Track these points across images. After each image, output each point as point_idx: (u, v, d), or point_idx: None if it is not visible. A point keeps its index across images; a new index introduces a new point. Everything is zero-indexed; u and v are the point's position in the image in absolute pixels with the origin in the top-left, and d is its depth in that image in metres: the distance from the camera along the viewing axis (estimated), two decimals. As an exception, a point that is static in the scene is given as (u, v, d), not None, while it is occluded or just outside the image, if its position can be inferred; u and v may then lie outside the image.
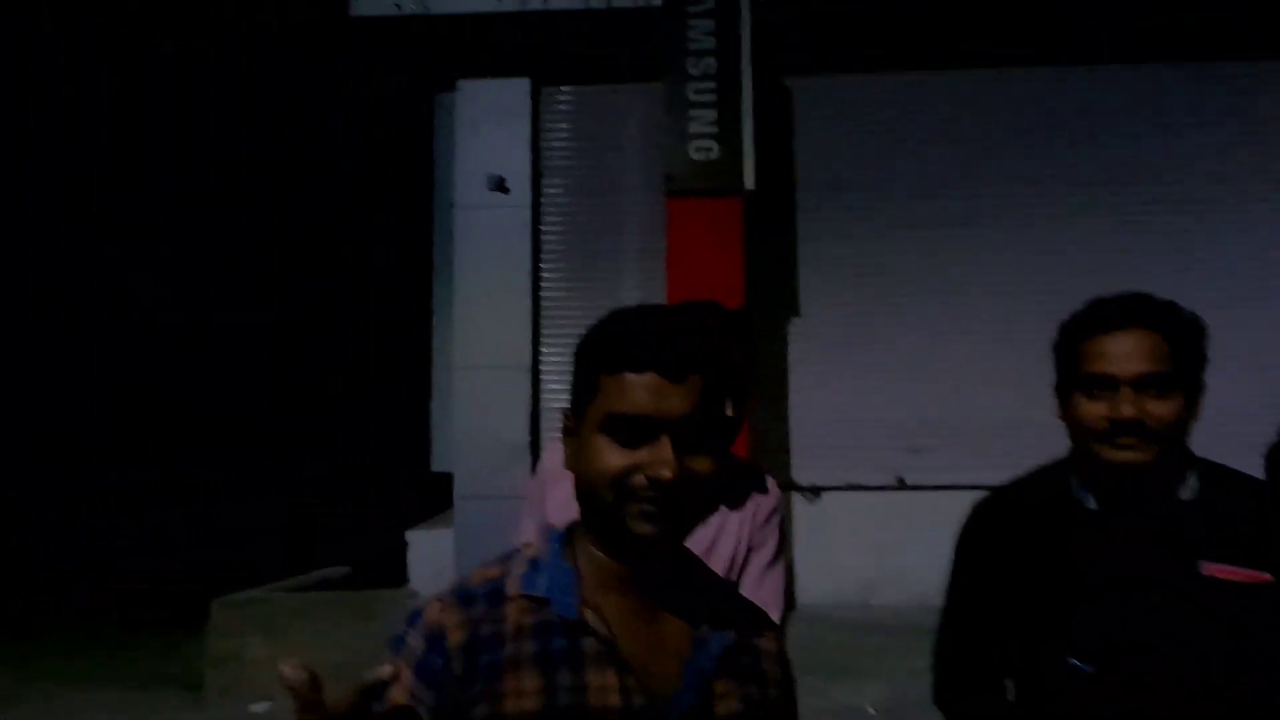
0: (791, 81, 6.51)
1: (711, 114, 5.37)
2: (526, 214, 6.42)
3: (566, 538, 0.99)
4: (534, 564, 0.96)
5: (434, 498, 6.53)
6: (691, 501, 0.90)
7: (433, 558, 5.91)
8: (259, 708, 4.43)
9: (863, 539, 6.11)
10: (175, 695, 4.85)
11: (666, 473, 0.86)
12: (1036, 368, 6.42)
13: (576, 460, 0.93)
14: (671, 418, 0.87)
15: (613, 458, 0.88)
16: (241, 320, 10.50)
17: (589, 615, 0.91)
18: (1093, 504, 1.38)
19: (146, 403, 9.40)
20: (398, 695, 0.87)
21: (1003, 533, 1.47)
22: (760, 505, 1.61)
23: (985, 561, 1.46)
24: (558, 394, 6.20)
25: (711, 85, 5.45)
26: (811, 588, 6.13)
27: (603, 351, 0.91)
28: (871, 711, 4.30)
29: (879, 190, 6.45)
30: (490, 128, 6.44)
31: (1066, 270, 6.25)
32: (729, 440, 1.54)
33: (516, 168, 6.43)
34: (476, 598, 0.93)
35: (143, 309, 10.10)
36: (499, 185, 6.37)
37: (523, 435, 6.19)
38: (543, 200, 6.54)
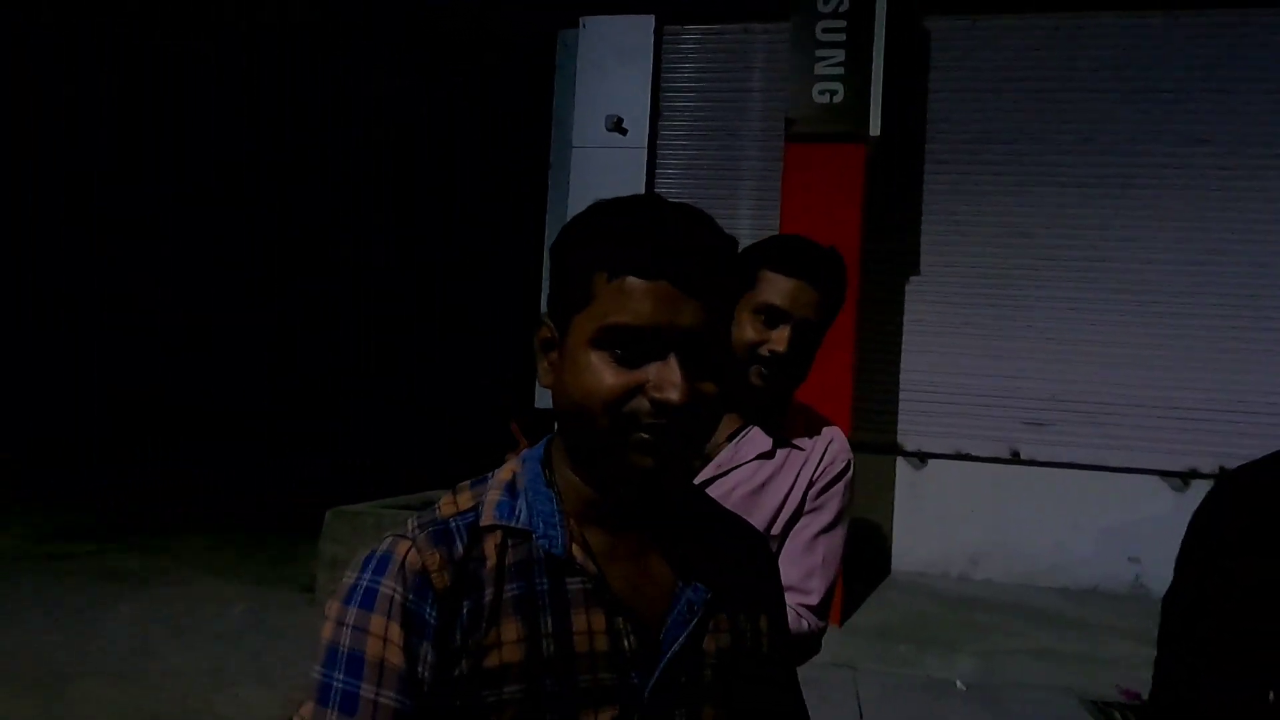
0: (930, 22, 6.09)
1: (840, 54, 5.10)
2: (642, 155, 6.34)
3: (545, 458, 0.86)
4: (509, 489, 0.83)
5: (536, 433, 6.69)
6: (697, 430, 0.78)
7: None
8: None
9: (969, 510, 5.86)
10: (291, 593, 5.23)
11: (675, 395, 0.73)
12: (1175, 347, 5.90)
13: (558, 378, 0.80)
14: (682, 332, 0.74)
15: (609, 376, 0.74)
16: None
17: (576, 552, 0.80)
18: None
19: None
20: (392, 656, 0.73)
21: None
22: (828, 468, 1.45)
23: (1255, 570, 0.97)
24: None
25: (842, 24, 5.15)
26: (911, 555, 5.96)
27: (601, 251, 0.75)
28: (961, 686, 4.16)
29: (1020, 144, 6.00)
30: (612, 66, 6.36)
31: (1228, 241, 5.68)
32: (791, 372, 1.41)
33: (635, 108, 6.35)
34: (452, 534, 0.79)
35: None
36: (617, 126, 6.31)
37: (625, 378, 6.24)
38: (660, 142, 6.44)
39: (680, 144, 6.45)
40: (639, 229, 0.75)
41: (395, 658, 0.74)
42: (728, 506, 1.31)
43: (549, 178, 6.91)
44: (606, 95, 6.35)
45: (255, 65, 9.08)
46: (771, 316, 1.36)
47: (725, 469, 1.42)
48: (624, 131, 6.33)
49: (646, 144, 6.34)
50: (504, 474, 0.86)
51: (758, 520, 1.40)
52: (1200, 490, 5.98)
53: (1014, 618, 5.02)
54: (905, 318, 6.04)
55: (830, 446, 1.48)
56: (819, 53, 5.13)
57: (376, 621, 0.75)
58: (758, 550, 0.97)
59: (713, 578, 0.86)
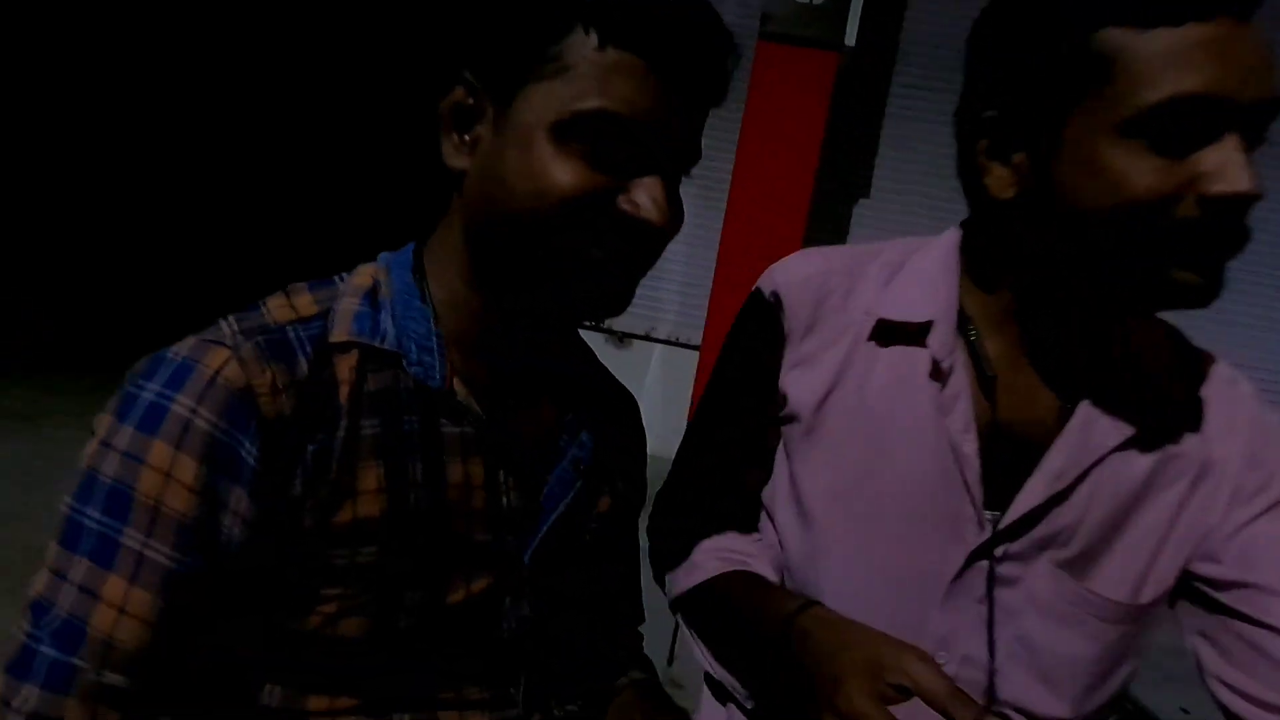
0: (922, -68, 5.82)
1: (827, -48, 4.84)
2: (606, 33, 6.00)
3: (417, 267, 0.68)
4: (369, 299, 0.65)
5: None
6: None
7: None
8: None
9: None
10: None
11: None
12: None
13: (489, 161, 0.67)
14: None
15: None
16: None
17: (458, 386, 0.66)
18: None
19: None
20: (174, 500, 0.55)
21: None
22: (1258, 454, 0.77)
23: None
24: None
25: (834, -81, 4.87)
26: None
27: None
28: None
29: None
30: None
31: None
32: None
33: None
34: (292, 347, 0.60)
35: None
36: None
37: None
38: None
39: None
40: None
41: (179, 502, 0.56)
42: (1073, 537, 0.74)
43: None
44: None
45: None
46: (1191, 123, 0.61)
47: (1074, 475, 0.72)
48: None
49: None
50: (361, 279, 0.67)
51: (1125, 573, 0.73)
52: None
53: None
54: (850, 242, 6.02)
55: (1247, 403, 0.77)
56: (806, -53, 4.85)
57: (159, 451, 0.55)
58: (630, 411, 0.87)
59: (596, 434, 0.76)
